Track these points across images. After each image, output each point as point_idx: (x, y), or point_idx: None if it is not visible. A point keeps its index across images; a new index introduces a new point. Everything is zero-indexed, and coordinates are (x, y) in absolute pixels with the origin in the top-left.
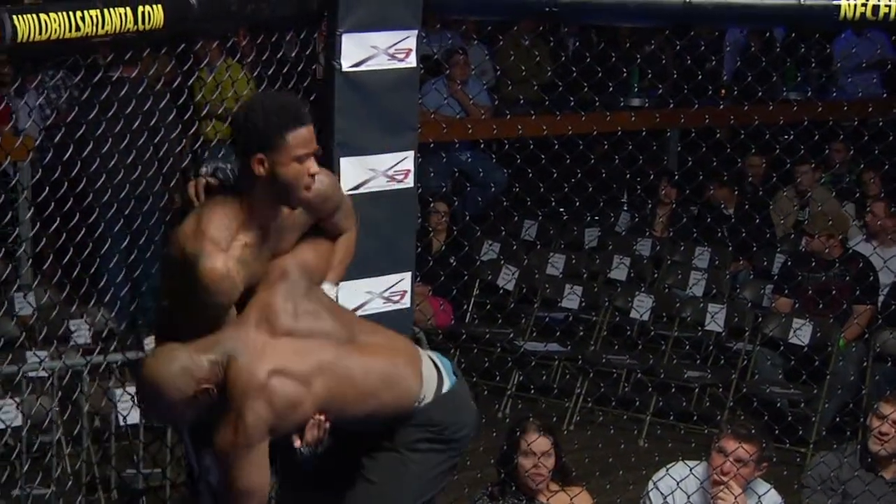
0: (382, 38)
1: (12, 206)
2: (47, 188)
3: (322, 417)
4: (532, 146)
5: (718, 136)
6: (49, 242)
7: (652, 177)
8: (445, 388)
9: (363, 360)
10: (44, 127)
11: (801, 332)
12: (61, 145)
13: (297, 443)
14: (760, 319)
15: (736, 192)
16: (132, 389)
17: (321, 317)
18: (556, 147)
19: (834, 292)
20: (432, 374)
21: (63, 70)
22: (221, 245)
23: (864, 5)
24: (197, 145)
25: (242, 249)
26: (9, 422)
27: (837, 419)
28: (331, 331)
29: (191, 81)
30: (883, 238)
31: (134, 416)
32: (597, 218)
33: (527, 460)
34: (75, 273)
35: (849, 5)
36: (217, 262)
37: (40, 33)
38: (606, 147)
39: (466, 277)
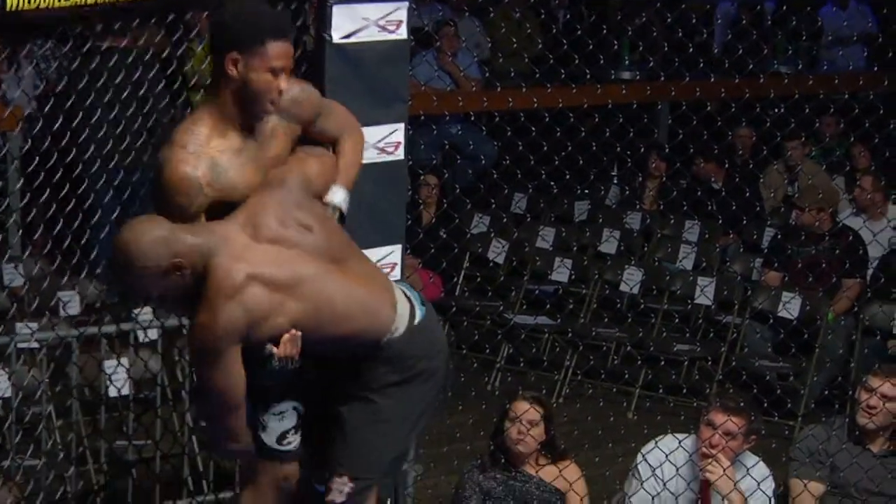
0: (373, 10)
1: (2, 176)
2: (37, 158)
3: (297, 333)
4: (522, 119)
5: (709, 109)
6: (39, 213)
7: (642, 150)
8: (417, 320)
9: (344, 283)
10: (33, 97)
11: (791, 306)
12: (51, 116)
13: (274, 350)
14: (750, 293)
15: (725, 166)
16: (124, 361)
17: (312, 231)
18: (547, 120)
19: (823, 266)
20: (405, 307)
21: (52, 40)
22: (188, 148)
23: None
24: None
25: (215, 153)
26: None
27: (826, 392)
28: (318, 246)
29: (180, 51)
30: (872, 211)
31: (125, 388)
32: (587, 191)
33: (514, 427)
34: (66, 244)
35: None
36: (179, 164)
37: (30, 3)
38: (597, 120)
39: (456, 250)
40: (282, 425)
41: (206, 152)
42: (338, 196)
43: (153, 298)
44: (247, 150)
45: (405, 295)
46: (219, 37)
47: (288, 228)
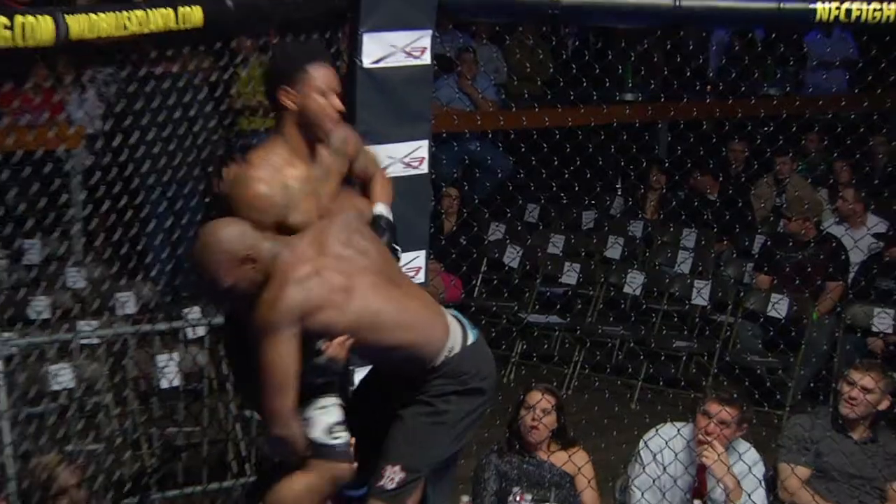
0: (400, 38)
1: (66, 189)
2: (98, 173)
3: (349, 339)
4: (535, 136)
5: (704, 127)
6: (100, 222)
7: (644, 164)
8: (470, 340)
9: (400, 299)
10: (95, 117)
11: (779, 306)
12: (110, 134)
13: (324, 347)
14: (742, 294)
15: (720, 179)
16: (175, 355)
17: (369, 254)
18: (557, 137)
19: (809, 270)
20: (457, 328)
21: (112, 66)
22: (265, 171)
23: (839, 8)
24: (233, 134)
25: (287, 178)
26: (64, 384)
27: (811, 385)
28: (376, 266)
29: (227, 75)
30: (853, 221)
31: (175, 380)
32: (593, 202)
33: (528, 415)
34: (123, 250)
35: (824, 8)
36: (258, 183)
37: (90, 32)
38: (603, 137)
39: (475, 255)
40: (327, 418)
41: (280, 177)
42: (382, 209)
43: (223, 290)
44: (311, 182)
45: (456, 318)
46: (270, 79)
47: (348, 249)
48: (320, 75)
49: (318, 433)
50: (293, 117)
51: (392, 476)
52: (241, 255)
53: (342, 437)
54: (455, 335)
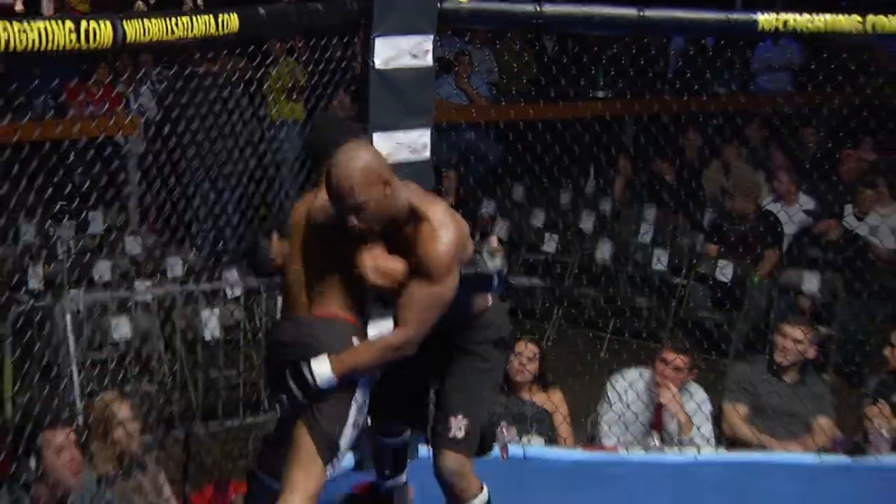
0: (406, 42)
1: (124, 169)
2: (151, 156)
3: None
4: (521, 127)
5: (664, 120)
6: (153, 197)
7: (612, 152)
8: (495, 298)
9: None
10: (149, 108)
11: (725, 271)
12: (161, 123)
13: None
14: (694, 261)
15: (676, 164)
16: (216, 311)
17: None
18: (540, 128)
19: (750, 240)
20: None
21: (161, 65)
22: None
23: (778, 20)
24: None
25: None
26: (123, 335)
27: (751, 337)
28: None
29: (259, 74)
30: (788, 199)
31: (217, 332)
32: (570, 183)
33: (516, 361)
34: (172, 221)
35: (766, 19)
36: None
37: (143, 35)
38: (578, 128)
39: (470, 228)
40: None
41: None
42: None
43: (354, 205)
44: None
45: None
46: (316, 149)
47: None
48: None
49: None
50: None
51: (459, 426)
52: (385, 177)
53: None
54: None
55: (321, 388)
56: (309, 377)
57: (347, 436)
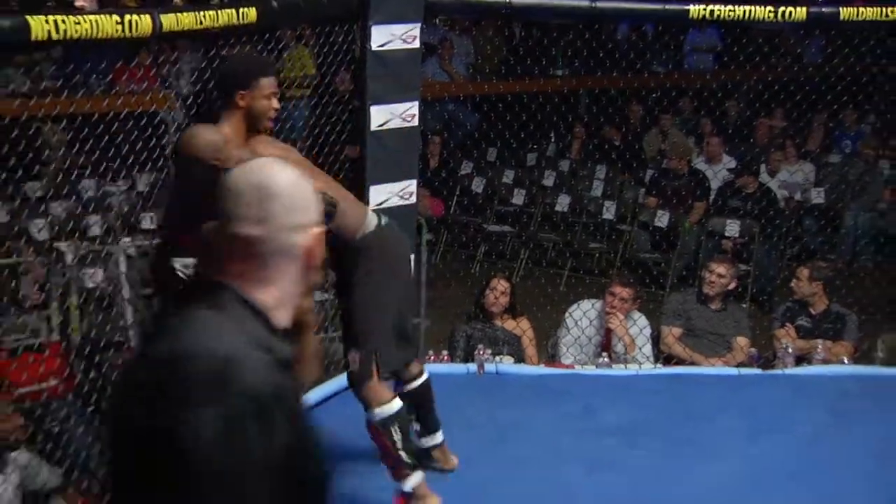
0: (398, 29)
1: (164, 136)
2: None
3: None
4: (494, 100)
5: (612, 93)
6: None
7: (570, 120)
8: (383, 222)
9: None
10: (183, 87)
11: (662, 219)
12: (194, 98)
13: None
14: (637, 210)
15: (622, 130)
16: None
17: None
18: (509, 101)
19: (683, 194)
20: (373, 217)
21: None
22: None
23: (706, 10)
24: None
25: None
26: None
27: (683, 273)
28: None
29: (273, 57)
30: (714, 159)
31: None
32: (535, 146)
33: (491, 294)
34: None
35: (696, 9)
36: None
37: (177, 26)
38: (541, 100)
39: (451, 184)
40: None
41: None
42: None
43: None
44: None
45: (376, 214)
46: (227, 80)
47: None
48: (269, 83)
49: None
50: (240, 112)
51: (353, 359)
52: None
53: None
54: (371, 220)
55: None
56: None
57: None
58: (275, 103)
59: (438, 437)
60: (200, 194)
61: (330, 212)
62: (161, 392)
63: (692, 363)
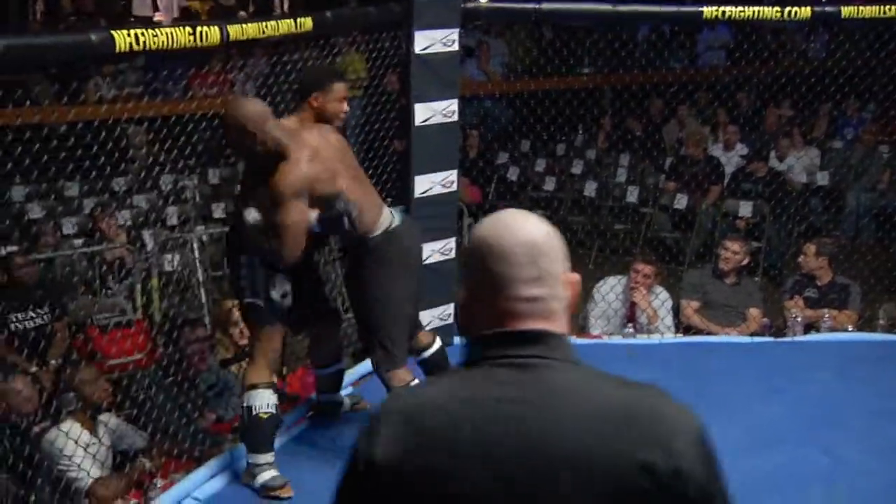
0: (439, 34)
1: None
2: None
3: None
4: (526, 97)
5: (633, 88)
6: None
7: (596, 113)
8: (397, 221)
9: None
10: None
11: (680, 202)
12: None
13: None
14: (658, 194)
15: (644, 122)
16: None
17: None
18: (540, 97)
19: (700, 178)
20: (388, 216)
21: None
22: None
23: (718, 10)
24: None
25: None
26: None
27: (701, 251)
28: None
29: (327, 62)
30: (728, 146)
31: None
32: (564, 138)
33: None
34: None
35: (709, 10)
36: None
37: (242, 35)
38: (569, 96)
39: (489, 173)
40: (284, 286)
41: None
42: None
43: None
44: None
45: (391, 213)
46: (304, 83)
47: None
48: (340, 88)
49: (276, 295)
50: (313, 112)
51: (374, 348)
52: (247, 122)
53: (288, 301)
54: (385, 220)
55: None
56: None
57: None
58: (345, 107)
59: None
60: (243, 157)
61: (349, 212)
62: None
63: (709, 333)
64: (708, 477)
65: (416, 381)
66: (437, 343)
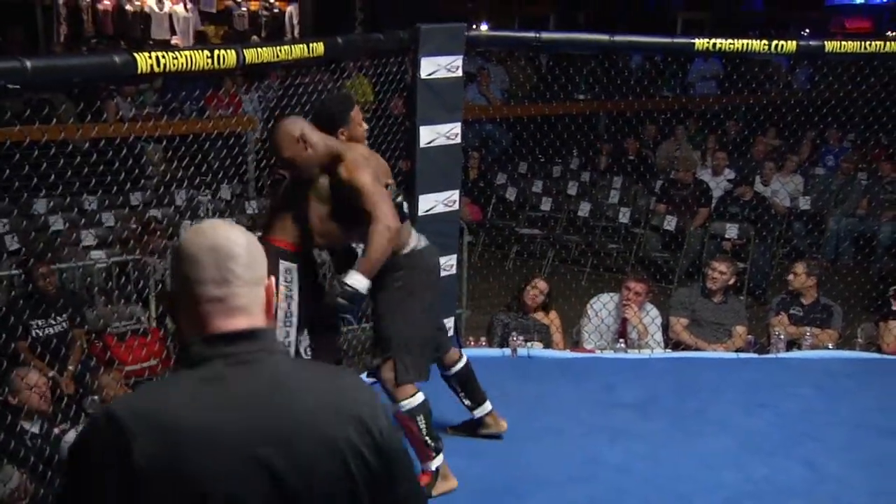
0: (443, 60)
1: (244, 156)
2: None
3: None
4: (525, 121)
5: (627, 115)
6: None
7: (591, 137)
8: (423, 244)
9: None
10: (259, 110)
11: (670, 223)
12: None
13: None
14: (648, 216)
15: (637, 146)
16: None
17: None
18: (539, 121)
19: (689, 201)
20: (415, 238)
21: (268, 79)
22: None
23: (708, 42)
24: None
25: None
26: None
27: (689, 270)
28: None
29: (337, 85)
30: (717, 171)
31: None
32: (560, 160)
33: (531, 290)
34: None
35: (700, 42)
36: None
37: (257, 59)
38: (566, 121)
39: (489, 193)
40: (308, 343)
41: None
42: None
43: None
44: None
45: (418, 236)
46: (330, 122)
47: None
48: (356, 113)
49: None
50: (344, 138)
51: (383, 366)
52: (297, 135)
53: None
54: (413, 241)
55: (363, 293)
56: (350, 289)
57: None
58: (365, 125)
59: (487, 407)
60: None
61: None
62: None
63: (697, 348)
64: (398, 442)
65: (420, 395)
66: (465, 359)
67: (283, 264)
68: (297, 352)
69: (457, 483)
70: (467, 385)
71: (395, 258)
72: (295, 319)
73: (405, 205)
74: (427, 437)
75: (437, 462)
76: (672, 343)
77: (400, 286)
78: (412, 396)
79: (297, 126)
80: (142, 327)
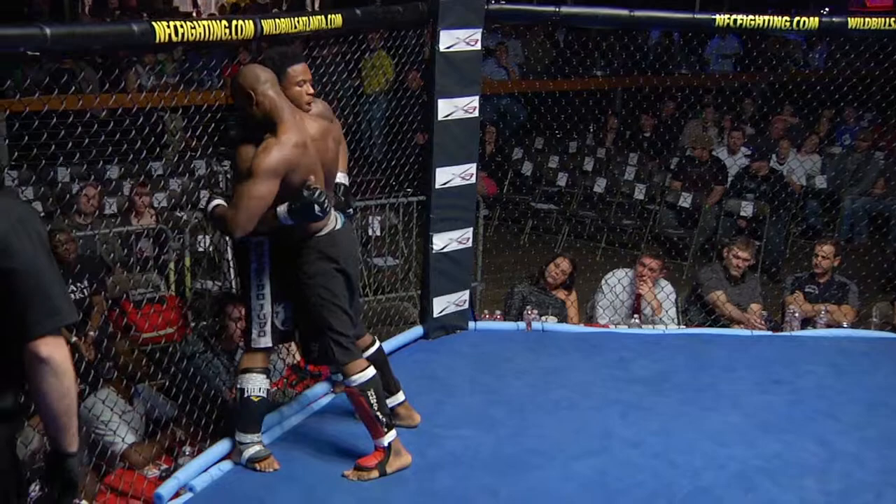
0: (462, 33)
1: None
2: None
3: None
4: (542, 96)
5: (645, 91)
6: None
7: (609, 113)
8: (339, 224)
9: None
10: None
11: (686, 200)
12: None
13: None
14: (664, 192)
15: (654, 122)
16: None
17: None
18: (555, 96)
19: (705, 178)
20: (332, 220)
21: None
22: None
23: (730, 18)
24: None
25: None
26: None
27: (705, 247)
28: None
29: (357, 57)
30: (733, 149)
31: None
32: (576, 135)
33: (555, 269)
34: None
35: (721, 18)
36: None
37: (275, 30)
38: (583, 96)
39: (505, 167)
40: (286, 314)
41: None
42: (341, 177)
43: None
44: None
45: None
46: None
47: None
48: (297, 71)
49: (278, 323)
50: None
51: (312, 349)
52: (248, 86)
53: (290, 327)
54: (329, 225)
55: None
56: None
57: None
58: (306, 90)
59: (400, 397)
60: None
61: (319, 200)
62: None
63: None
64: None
65: (371, 370)
66: (377, 344)
67: (254, 239)
68: (273, 324)
69: (411, 459)
70: (381, 371)
71: (312, 240)
72: (267, 292)
73: (321, 206)
74: (378, 412)
75: (389, 438)
76: (687, 319)
77: (320, 269)
78: (362, 371)
79: (253, 77)
80: (157, 295)
